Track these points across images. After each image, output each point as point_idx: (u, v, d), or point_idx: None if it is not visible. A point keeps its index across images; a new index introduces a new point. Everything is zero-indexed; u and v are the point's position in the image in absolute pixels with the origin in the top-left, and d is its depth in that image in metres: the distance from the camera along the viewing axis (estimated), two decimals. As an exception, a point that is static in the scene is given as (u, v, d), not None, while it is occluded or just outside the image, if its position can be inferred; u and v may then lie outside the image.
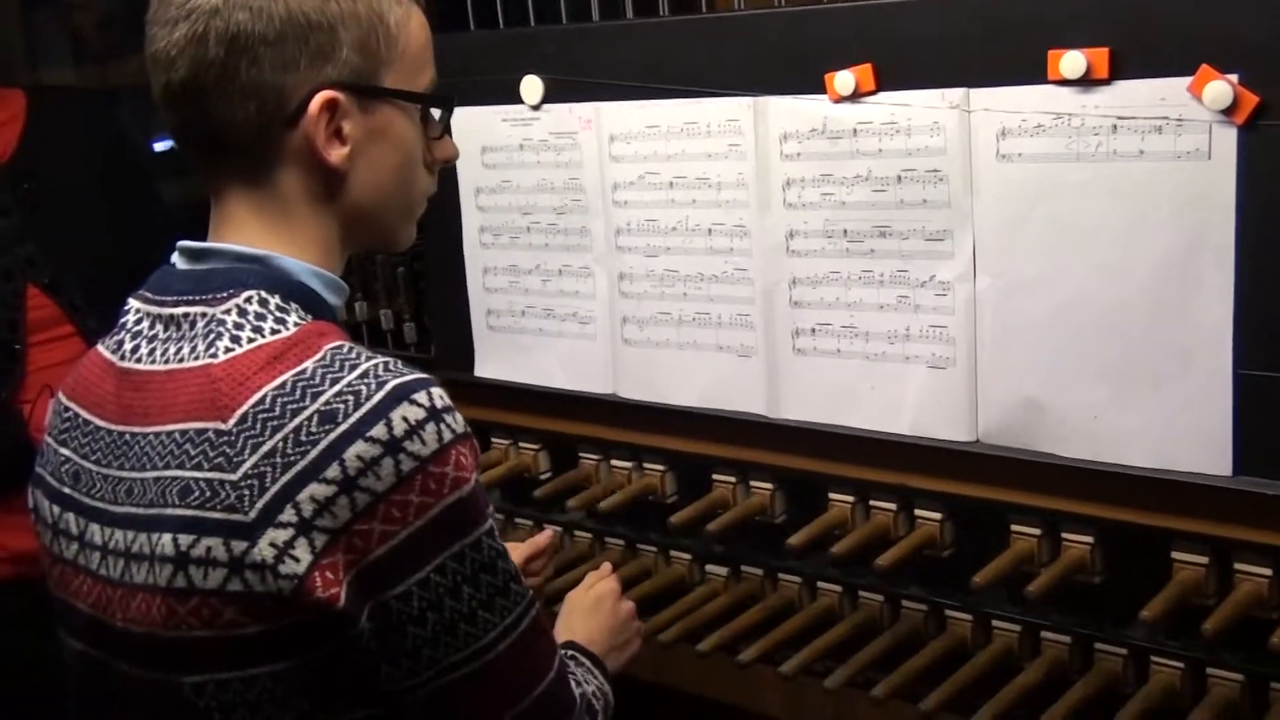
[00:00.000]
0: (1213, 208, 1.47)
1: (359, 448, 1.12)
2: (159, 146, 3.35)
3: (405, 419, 1.14)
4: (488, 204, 2.12)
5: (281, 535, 1.12)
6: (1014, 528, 1.67)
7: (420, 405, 1.15)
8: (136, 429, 1.23)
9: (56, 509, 1.31)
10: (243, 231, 1.27)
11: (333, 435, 1.13)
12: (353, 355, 1.18)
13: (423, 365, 2.26)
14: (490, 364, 2.17)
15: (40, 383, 2.07)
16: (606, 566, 1.76)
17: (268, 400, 1.15)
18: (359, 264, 2.36)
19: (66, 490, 1.30)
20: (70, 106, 2.31)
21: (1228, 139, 1.45)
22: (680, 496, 2.00)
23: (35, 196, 2.15)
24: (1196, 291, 1.50)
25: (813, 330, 1.81)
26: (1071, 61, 1.52)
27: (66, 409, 1.33)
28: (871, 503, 1.80)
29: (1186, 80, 1.46)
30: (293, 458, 1.13)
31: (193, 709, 1.18)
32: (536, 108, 2.02)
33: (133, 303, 1.30)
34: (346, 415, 1.13)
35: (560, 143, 2.01)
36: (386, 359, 1.19)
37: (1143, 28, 1.49)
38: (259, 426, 1.14)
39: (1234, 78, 1.43)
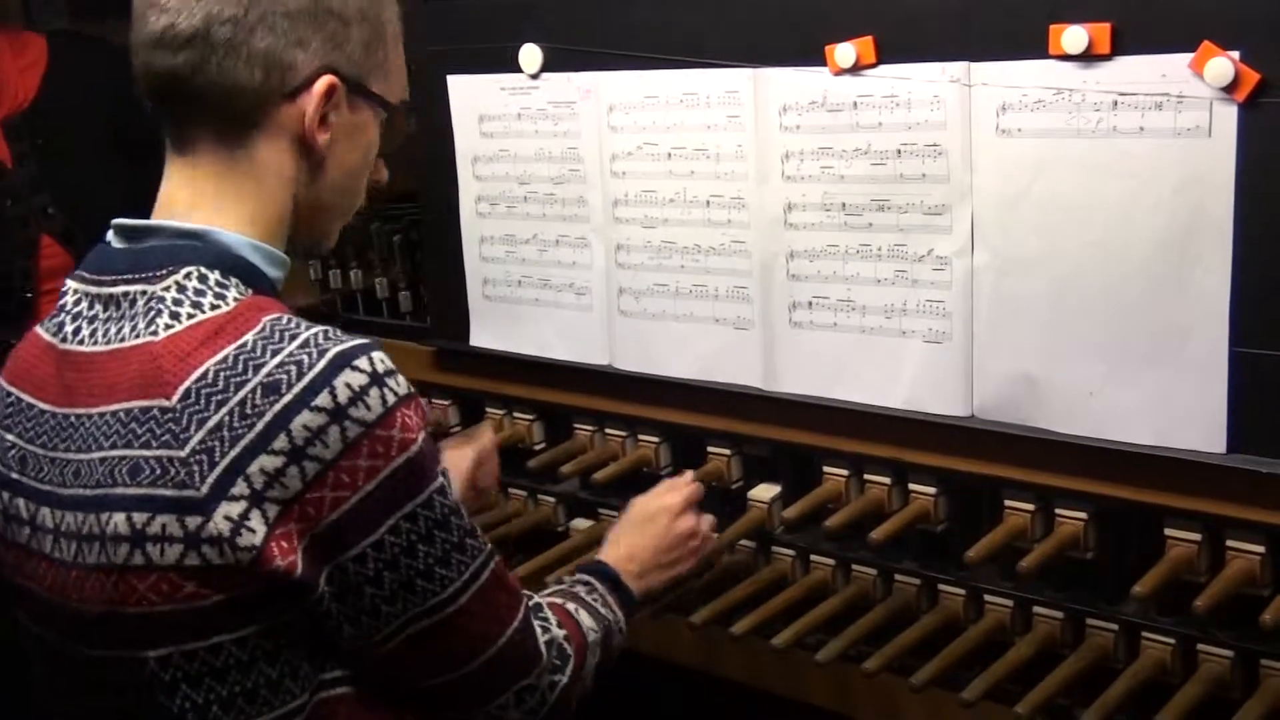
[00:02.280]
0: (1212, 185, 1.47)
1: (305, 417, 1.14)
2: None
3: (349, 385, 1.15)
4: (485, 173, 2.11)
5: (235, 508, 1.14)
6: (1008, 503, 1.68)
7: (362, 371, 1.17)
8: (80, 410, 1.23)
9: (7, 494, 1.31)
10: (196, 195, 1.28)
11: (278, 406, 1.14)
12: (292, 325, 1.19)
13: (418, 334, 2.27)
14: (486, 334, 2.17)
15: None
16: (688, 475, 1.78)
17: (210, 375, 1.16)
18: (353, 232, 2.35)
19: (14, 476, 1.30)
20: (90, 54, 2.29)
21: (1228, 116, 1.44)
22: (675, 468, 2.00)
23: (53, 145, 2.14)
24: (1194, 269, 1.50)
25: (810, 303, 1.81)
26: (1073, 36, 1.52)
27: (9, 394, 1.33)
28: (866, 477, 1.80)
29: (1188, 57, 1.45)
30: (239, 431, 1.14)
31: (158, 682, 1.20)
32: (535, 77, 2.01)
33: (70, 283, 1.30)
34: (290, 385, 1.15)
35: (559, 112, 2.00)
36: (326, 328, 1.20)
37: (1145, 4, 1.48)
38: (203, 401, 1.15)
39: (1235, 55, 1.42)
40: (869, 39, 1.67)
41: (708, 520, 1.75)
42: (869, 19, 1.67)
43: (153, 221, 1.29)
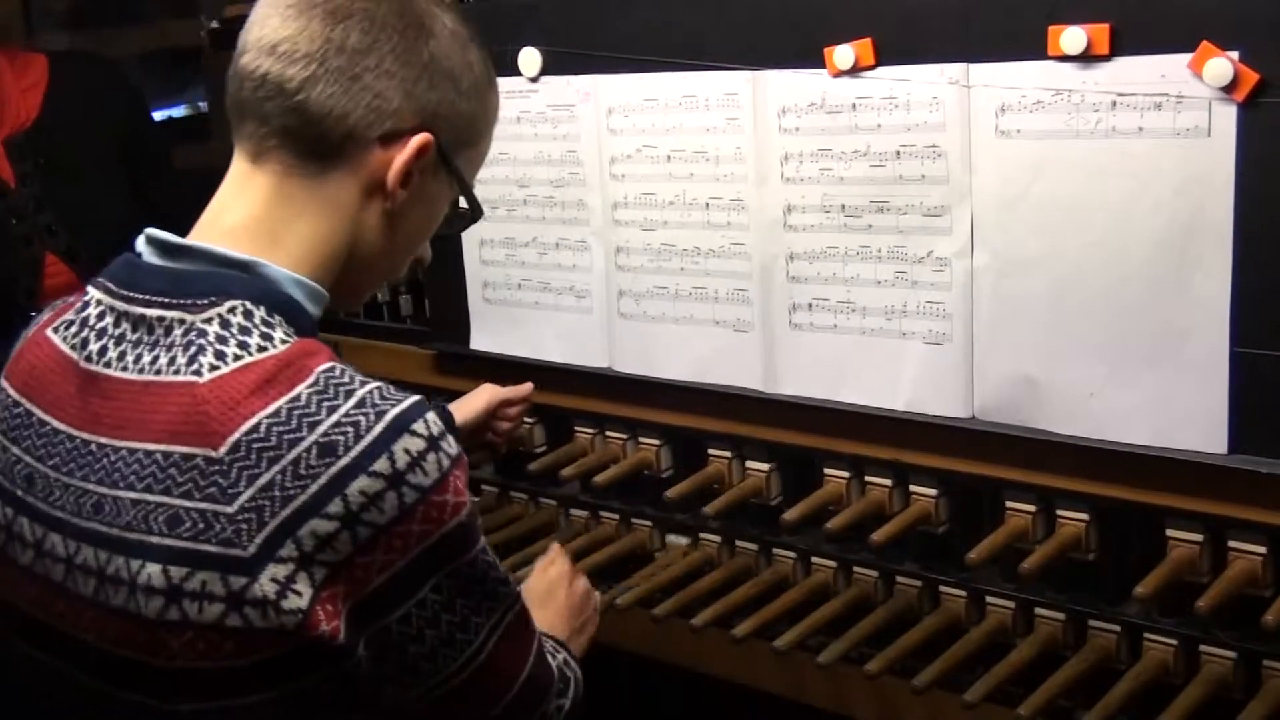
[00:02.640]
0: (1212, 185, 1.47)
1: (362, 483, 1.10)
2: (156, 116, 3.34)
3: (407, 451, 1.12)
4: (484, 176, 2.07)
5: (282, 570, 1.10)
6: (1009, 504, 1.68)
7: (420, 435, 1.13)
8: (105, 440, 1.18)
9: (10, 511, 1.25)
10: (248, 222, 1.23)
11: (334, 469, 1.10)
12: (346, 380, 1.15)
13: (418, 338, 2.27)
14: (486, 336, 2.17)
15: None
16: (555, 548, 1.74)
17: (262, 429, 1.11)
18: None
19: (20, 494, 1.24)
20: (91, 73, 2.30)
21: (1227, 116, 1.44)
22: (675, 471, 2.00)
23: (56, 164, 2.15)
24: (1194, 269, 1.49)
25: (809, 305, 1.80)
26: (1072, 37, 1.52)
27: (16, 403, 1.26)
28: (867, 478, 1.80)
29: (1187, 57, 1.45)
30: (292, 492, 1.10)
31: None
32: (535, 80, 2.01)
33: (94, 292, 1.25)
34: (348, 448, 1.11)
35: (558, 115, 2.00)
36: (379, 384, 1.16)
37: (1143, 4, 1.48)
38: (254, 457, 1.11)
39: (1234, 55, 1.42)
40: (868, 41, 1.67)
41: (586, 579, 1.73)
42: (867, 21, 1.67)
43: (194, 242, 1.23)
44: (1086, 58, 1.52)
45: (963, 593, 1.74)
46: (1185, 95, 1.46)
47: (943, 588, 1.76)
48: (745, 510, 1.92)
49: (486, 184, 2.10)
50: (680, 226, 1.91)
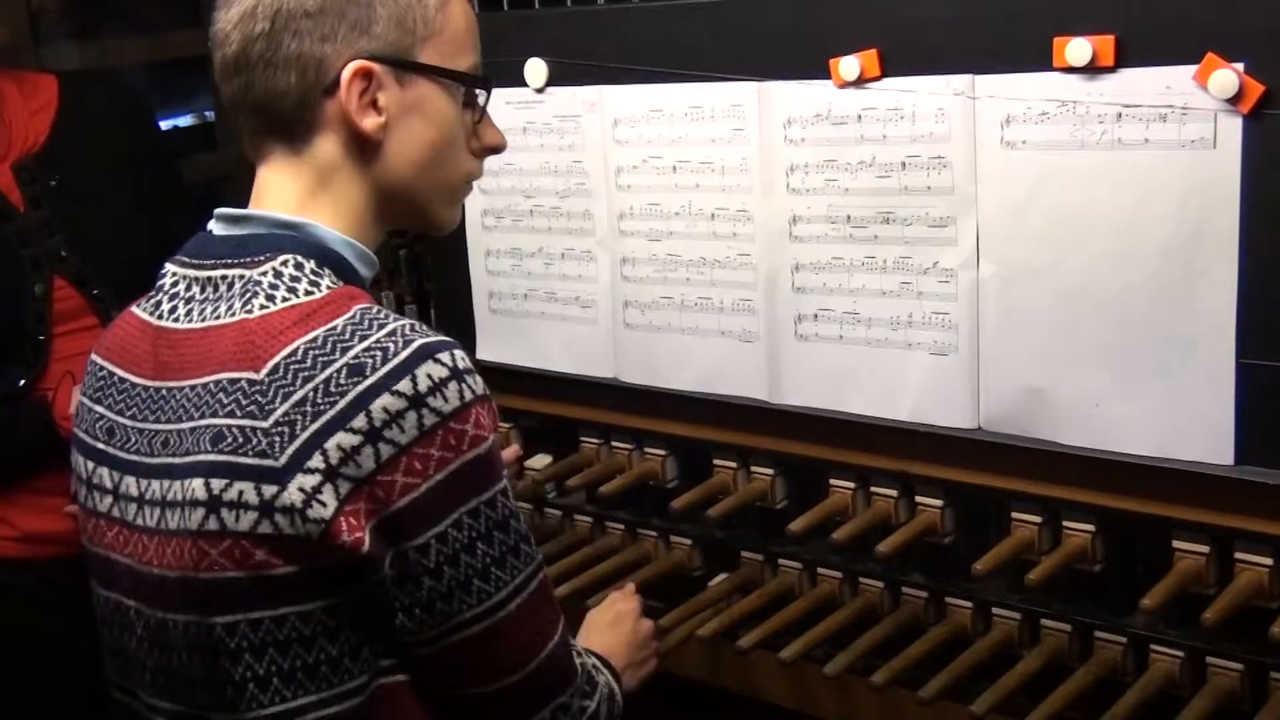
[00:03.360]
0: (1217, 197, 1.47)
1: (385, 400, 1.17)
2: (163, 125, 3.34)
3: (429, 375, 1.19)
4: (491, 186, 2.11)
5: (309, 480, 1.17)
6: (1015, 515, 1.67)
7: (444, 364, 1.20)
8: (172, 383, 1.28)
9: (90, 464, 1.35)
10: (281, 199, 1.33)
11: (361, 387, 1.18)
12: (381, 315, 1.23)
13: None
14: (492, 347, 2.17)
15: (63, 370, 2.09)
16: (630, 586, 1.80)
17: (299, 352, 1.20)
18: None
19: (100, 445, 1.34)
20: (101, 94, 2.29)
21: (1233, 128, 1.44)
22: (681, 481, 2.00)
23: (66, 187, 2.15)
24: (1200, 280, 1.49)
25: (815, 316, 1.81)
26: (1077, 48, 1.52)
27: (101, 368, 1.38)
28: (872, 489, 1.80)
29: (1192, 68, 1.45)
30: (322, 407, 1.18)
31: (223, 648, 1.23)
32: (541, 90, 2.01)
33: (170, 266, 1.35)
34: (374, 369, 1.18)
35: (564, 126, 2.00)
36: (414, 321, 1.24)
37: (1149, 15, 1.48)
38: (290, 376, 1.19)
39: (1240, 66, 1.42)
40: (873, 52, 1.67)
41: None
42: (872, 32, 1.67)
43: (252, 210, 1.34)
44: (1092, 69, 1.52)
45: (969, 604, 1.74)
46: (1190, 107, 1.46)
47: (949, 599, 1.76)
48: (751, 520, 1.92)
49: (492, 194, 2.11)
50: (686, 237, 1.91)
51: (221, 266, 1.29)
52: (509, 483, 1.26)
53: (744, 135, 1.82)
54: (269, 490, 1.18)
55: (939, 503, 1.74)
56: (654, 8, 1.91)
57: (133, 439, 1.31)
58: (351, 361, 1.19)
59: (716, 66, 1.82)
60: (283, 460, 1.17)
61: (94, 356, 1.40)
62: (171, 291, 1.33)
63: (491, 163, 2.07)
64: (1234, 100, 1.43)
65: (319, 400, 1.18)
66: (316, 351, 1.20)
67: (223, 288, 1.28)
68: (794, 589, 1.89)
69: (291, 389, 1.19)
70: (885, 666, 1.67)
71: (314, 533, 1.17)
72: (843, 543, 1.74)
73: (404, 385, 1.18)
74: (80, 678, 2.04)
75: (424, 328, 1.24)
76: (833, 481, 1.83)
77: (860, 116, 1.71)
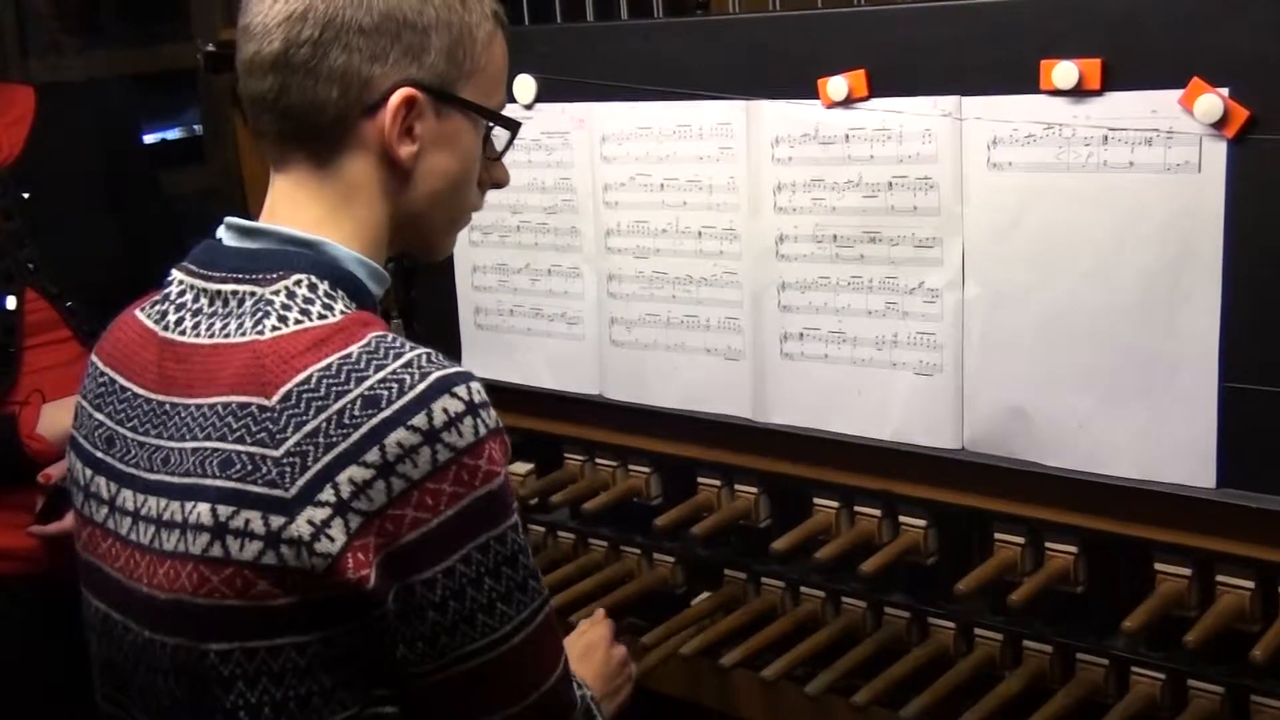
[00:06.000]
0: (1202, 220, 1.47)
1: (400, 435, 1.15)
2: (147, 139, 3.33)
3: (446, 410, 1.17)
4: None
5: (319, 514, 1.15)
6: (998, 536, 1.68)
7: (460, 399, 1.18)
8: (178, 399, 1.26)
9: (89, 472, 1.34)
10: (298, 213, 1.30)
11: (375, 420, 1.15)
12: (396, 344, 1.21)
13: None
14: (477, 363, 2.16)
15: (32, 386, 2.07)
16: (600, 612, 1.78)
17: (313, 380, 1.18)
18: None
19: (99, 455, 1.32)
20: (78, 104, 2.28)
21: (1218, 152, 1.45)
22: (665, 499, 1.99)
23: (40, 200, 2.13)
24: (1184, 304, 1.50)
25: (800, 335, 1.81)
26: (1063, 72, 1.53)
27: (103, 374, 1.35)
28: (856, 509, 1.80)
29: (1178, 93, 1.46)
30: (335, 439, 1.15)
31: (216, 675, 1.21)
32: (529, 107, 2.01)
33: (176, 274, 1.33)
34: (390, 402, 1.16)
35: (552, 142, 2.01)
36: (429, 351, 1.22)
37: (1135, 40, 1.49)
38: (303, 405, 1.17)
39: (1225, 91, 1.43)
40: (861, 72, 1.68)
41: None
42: (861, 52, 1.68)
43: (265, 224, 1.31)
44: (1078, 92, 1.53)
45: (951, 624, 1.74)
46: (1176, 131, 1.47)
47: (931, 619, 1.76)
48: (734, 539, 1.92)
49: (479, 210, 2.10)
50: (673, 255, 1.91)
51: (232, 281, 1.27)
52: (519, 518, 1.24)
53: (731, 154, 1.83)
54: (276, 521, 1.15)
55: (922, 523, 1.74)
56: (643, 25, 1.92)
57: (132, 451, 1.28)
58: (367, 393, 1.16)
59: (705, 85, 1.82)
60: (293, 491, 1.15)
61: (95, 359, 1.38)
62: (179, 301, 1.30)
63: (479, 177, 2.09)
64: (1219, 125, 1.44)
65: (332, 432, 1.15)
66: (330, 380, 1.17)
67: (233, 303, 1.26)
68: (776, 608, 1.89)
69: (305, 418, 1.16)
70: (867, 686, 1.67)
71: (319, 566, 1.15)
72: (826, 562, 1.74)
73: (419, 420, 1.16)
74: (39, 694, 2.02)
75: (440, 358, 1.21)
76: (816, 501, 1.83)
77: (848, 136, 1.71)
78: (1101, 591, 1.63)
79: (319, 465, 1.15)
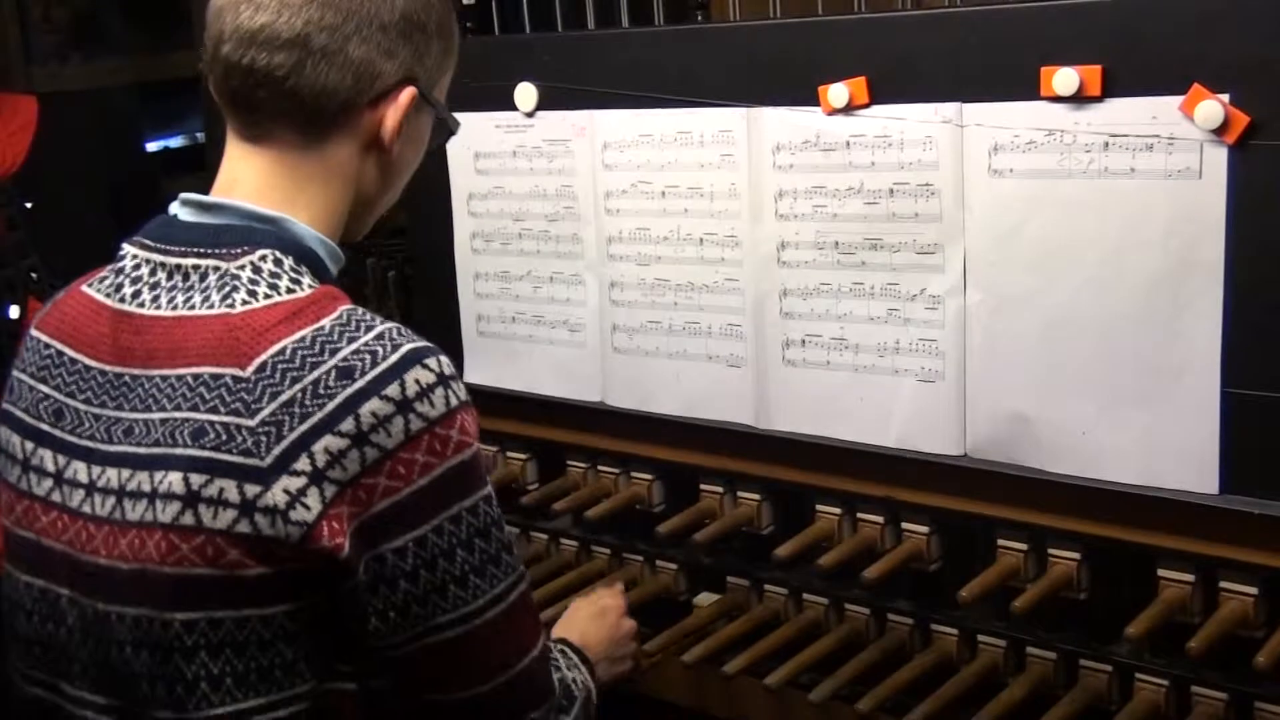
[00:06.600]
0: (1203, 226, 1.47)
1: (374, 404, 1.18)
2: (150, 147, 3.34)
3: (418, 381, 1.20)
4: (480, 210, 2.11)
5: (295, 483, 1.16)
6: (1001, 543, 1.67)
7: (431, 370, 1.21)
8: (137, 370, 1.26)
9: (29, 445, 1.32)
10: (266, 189, 1.31)
11: (350, 390, 1.18)
12: (368, 318, 1.24)
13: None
14: (479, 370, 2.16)
15: None
16: (619, 585, 1.81)
17: (288, 351, 1.20)
18: (348, 268, 2.35)
19: (44, 427, 1.31)
20: (81, 115, 2.30)
21: (1218, 158, 1.45)
22: (668, 506, 1.99)
23: (43, 208, 2.15)
24: (1186, 309, 1.50)
25: (802, 341, 1.81)
26: (1064, 78, 1.53)
27: (47, 346, 1.34)
28: (859, 515, 1.80)
29: (1178, 99, 1.46)
30: (310, 408, 1.18)
31: (179, 645, 1.22)
32: (531, 115, 2.02)
33: (128, 248, 1.33)
34: (364, 372, 1.19)
35: (553, 150, 2.01)
36: (398, 325, 1.24)
37: (1135, 46, 1.49)
38: (278, 376, 1.19)
39: (1225, 97, 1.43)
40: (861, 79, 1.68)
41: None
42: (862, 60, 1.68)
43: (225, 200, 1.31)
44: (1079, 99, 1.53)
45: (954, 631, 1.74)
46: (1177, 137, 1.47)
47: (934, 626, 1.76)
48: (736, 546, 1.92)
49: (481, 217, 2.11)
50: (674, 262, 1.91)
51: (193, 255, 1.27)
52: (491, 490, 1.26)
53: (733, 161, 1.83)
54: (252, 490, 1.17)
55: (925, 529, 1.74)
56: (644, 33, 1.92)
57: (86, 424, 1.28)
58: (341, 364, 1.19)
59: (706, 92, 1.82)
60: (268, 460, 1.17)
61: (35, 333, 1.36)
62: (134, 275, 1.30)
63: (481, 186, 2.10)
64: (1219, 131, 1.44)
65: (307, 402, 1.18)
66: (305, 352, 1.20)
67: (194, 277, 1.26)
68: (780, 614, 1.89)
69: (280, 389, 1.18)
70: (870, 693, 1.67)
71: (295, 535, 1.16)
72: (829, 569, 1.74)
73: (393, 390, 1.18)
74: None
75: (409, 331, 1.24)
76: (819, 507, 1.83)
77: (849, 143, 1.71)
78: (1105, 598, 1.63)
79: (294, 435, 1.17)
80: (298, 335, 1.21)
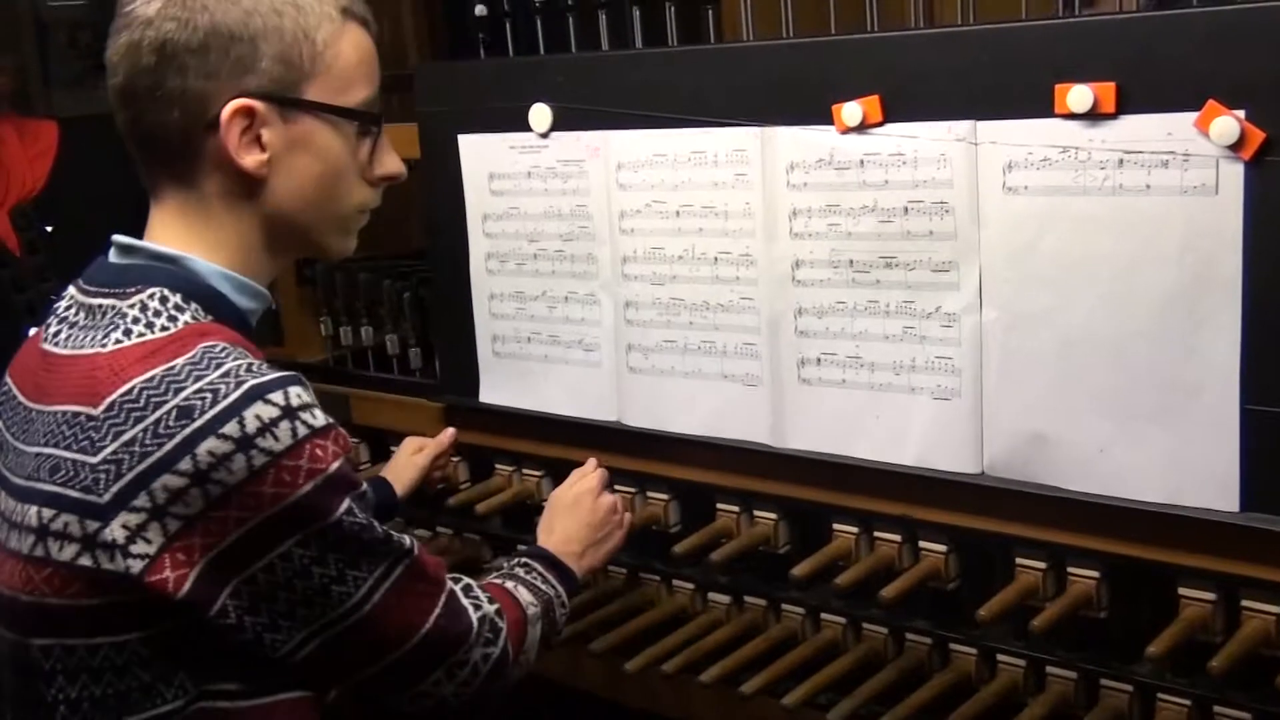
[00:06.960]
0: (1219, 242, 1.47)
1: (211, 444, 1.20)
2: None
3: (259, 417, 1.21)
4: (495, 230, 2.12)
5: (134, 519, 1.20)
6: (1019, 561, 1.66)
7: (275, 404, 1.23)
8: (37, 407, 1.33)
9: None
10: (166, 232, 1.36)
11: (188, 430, 1.20)
12: (222, 355, 1.25)
13: (428, 391, 2.27)
14: (495, 390, 2.17)
15: None
16: (592, 462, 1.87)
17: (134, 391, 1.23)
18: (364, 289, 2.36)
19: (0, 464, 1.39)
20: (101, 137, 2.31)
21: (1234, 174, 1.45)
22: (684, 525, 1.99)
23: (63, 231, 2.17)
24: (1203, 326, 1.49)
25: (818, 360, 1.80)
26: (1078, 95, 1.52)
27: (5, 386, 1.43)
28: (876, 534, 1.79)
29: (1193, 115, 1.46)
30: (150, 448, 1.21)
31: (39, 670, 1.27)
32: (545, 135, 2.02)
33: (70, 290, 1.40)
34: (203, 412, 1.21)
35: (568, 170, 2.01)
36: (254, 361, 1.26)
37: (1149, 63, 1.49)
38: (123, 416, 1.23)
39: (1241, 113, 1.43)
40: (875, 98, 1.68)
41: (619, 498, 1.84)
42: (875, 78, 1.68)
43: (139, 241, 1.38)
44: (1093, 116, 1.52)
45: (973, 650, 1.73)
46: (1192, 153, 1.47)
47: (953, 645, 1.75)
48: (753, 565, 1.91)
49: (496, 238, 2.11)
50: (689, 281, 1.91)
51: (101, 295, 1.33)
52: (352, 502, 1.26)
53: (747, 180, 1.83)
54: (91, 525, 1.21)
55: (943, 548, 1.73)
56: (658, 54, 1.92)
57: (11, 457, 1.35)
58: (182, 404, 1.21)
59: (720, 112, 1.82)
60: (106, 498, 1.21)
61: (5, 377, 1.44)
62: (63, 315, 1.37)
63: (496, 207, 2.10)
64: (1235, 147, 1.44)
65: (147, 441, 1.20)
66: (151, 391, 1.23)
67: (97, 316, 1.32)
68: (797, 634, 1.88)
69: (123, 428, 1.22)
70: (889, 713, 1.66)
71: (134, 569, 1.20)
72: (846, 588, 1.73)
73: (230, 428, 1.20)
74: None
75: (264, 367, 1.25)
76: (836, 526, 1.82)
77: (863, 162, 1.71)
78: (1125, 617, 1.61)
79: (133, 474, 1.20)
80: (147, 375, 1.24)
